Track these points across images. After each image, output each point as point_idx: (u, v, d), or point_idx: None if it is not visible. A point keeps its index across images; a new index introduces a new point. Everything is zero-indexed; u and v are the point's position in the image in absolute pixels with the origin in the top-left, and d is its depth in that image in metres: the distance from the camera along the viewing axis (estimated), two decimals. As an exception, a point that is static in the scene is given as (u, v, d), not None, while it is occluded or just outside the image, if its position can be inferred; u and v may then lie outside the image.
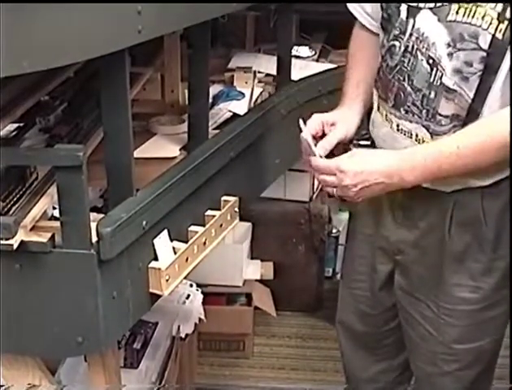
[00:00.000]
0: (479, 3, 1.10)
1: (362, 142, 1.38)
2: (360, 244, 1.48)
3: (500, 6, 1.09)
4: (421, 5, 1.17)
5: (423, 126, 1.22)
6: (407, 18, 1.20)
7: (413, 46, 1.19)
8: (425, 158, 1.15)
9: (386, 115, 1.29)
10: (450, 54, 1.14)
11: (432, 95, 1.19)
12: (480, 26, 1.10)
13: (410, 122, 1.23)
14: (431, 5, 1.16)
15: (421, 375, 1.47)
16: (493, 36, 1.10)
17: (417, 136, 1.23)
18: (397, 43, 1.22)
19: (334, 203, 2.98)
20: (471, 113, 1.16)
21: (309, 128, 1.29)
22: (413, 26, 1.19)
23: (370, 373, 1.60)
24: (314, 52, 2.23)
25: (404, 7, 1.20)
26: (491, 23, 1.09)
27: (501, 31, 1.09)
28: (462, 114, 1.18)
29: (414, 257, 1.34)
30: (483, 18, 1.10)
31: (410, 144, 1.24)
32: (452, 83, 1.16)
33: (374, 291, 1.47)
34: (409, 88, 1.22)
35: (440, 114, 1.19)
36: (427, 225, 1.30)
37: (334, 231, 2.89)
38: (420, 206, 1.29)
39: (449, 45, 1.14)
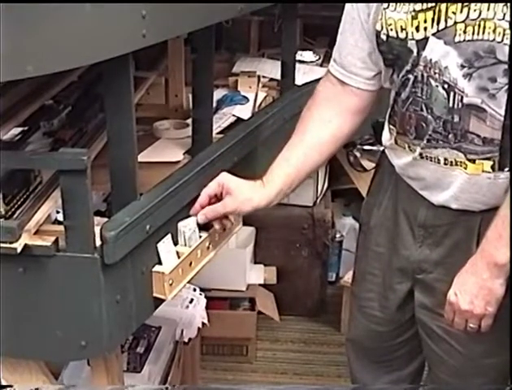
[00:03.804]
0: (486, 18, 1.08)
1: (365, 147, 1.37)
2: (371, 261, 1.47)
3: (508, 16, 1.06)
4: (428, 34, 1.14)
5: (454, 148, 1.20)
6: (418, 52, 1.17)
7: (422, 75, 1.17)
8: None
9: (409, 147, 1.27)
10: (468, 75, 1.12)
11: (456, 119, 1.17)
12: (494, 40, 1.08)
13: (435, 148, 1.22)
14: (434, 30, 1.13)
15: (441, 383, 1.45)
16: (511, 46, 1.07)
17: (446, 159, 1.22)
18: (410, 76, 1.20)
19: (337, 207, 2.99)
20: (506, 131, 1.14)
21: (210, 187, 1.26)
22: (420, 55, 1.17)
23: (379, 384, 1.59)
24: (318, 57, 2.24)
25: (412, 43, 1.17)
26: (504, 35, 1.07)
27: None
28: (497, 137, 1.15)
29: (438, 276, 1.32)
30: (494, 31, 1.07)
31: (437, 168, 1.23)
32: (479, 101, 1.14)
33: (388, 310, 1.46)
34: (429, 117, 1.20)
35: (472, 133, 1.17)
36: (453, 242, 1.29)
37: (337, 235, 2.89)
38: (445, 225, 1.28)
39: (462, 67, 1.12)
